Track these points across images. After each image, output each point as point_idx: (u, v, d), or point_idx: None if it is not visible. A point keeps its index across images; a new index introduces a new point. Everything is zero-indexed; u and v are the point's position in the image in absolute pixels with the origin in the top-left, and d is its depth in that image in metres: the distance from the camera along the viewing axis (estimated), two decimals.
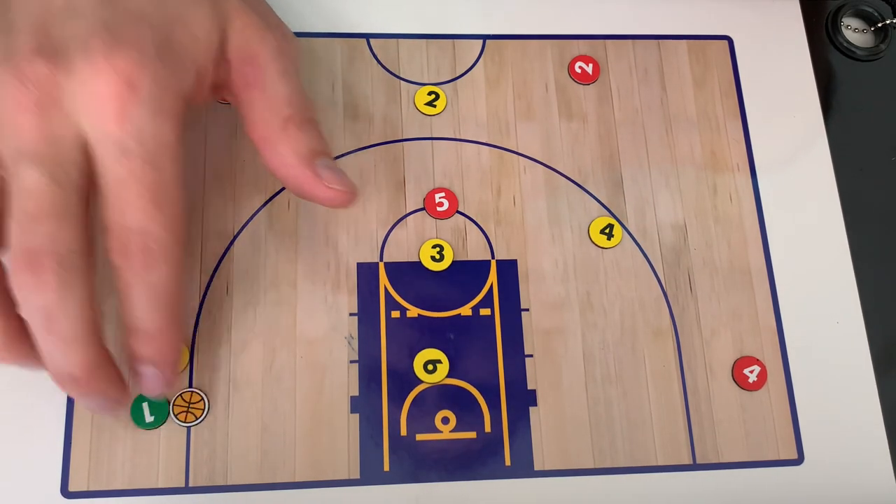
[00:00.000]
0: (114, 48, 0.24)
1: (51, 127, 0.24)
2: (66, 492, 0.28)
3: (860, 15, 0.39)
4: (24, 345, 0.25)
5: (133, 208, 0.24)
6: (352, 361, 0.31)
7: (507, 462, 0.30)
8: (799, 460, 0.31)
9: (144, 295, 0.25)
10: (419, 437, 0.30)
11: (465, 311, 0.32)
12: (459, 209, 0.33)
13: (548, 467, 0.30)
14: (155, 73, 0.24)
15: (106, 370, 0.26)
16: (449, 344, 0.31)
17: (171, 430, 0.29)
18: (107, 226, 0.25)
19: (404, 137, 0.34)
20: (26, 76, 0.24)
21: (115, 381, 0.26)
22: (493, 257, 0.33)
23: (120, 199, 0.24)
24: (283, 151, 0.27)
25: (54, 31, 0.24)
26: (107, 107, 0.24)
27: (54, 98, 0.24)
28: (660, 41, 0.37)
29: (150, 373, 0.26)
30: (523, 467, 0.30)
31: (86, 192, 0.25)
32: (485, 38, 0.36)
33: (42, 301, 0.24)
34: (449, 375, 0.31)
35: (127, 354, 0.26)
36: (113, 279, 0.25)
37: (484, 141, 0.34)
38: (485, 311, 0.32)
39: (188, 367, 0.30)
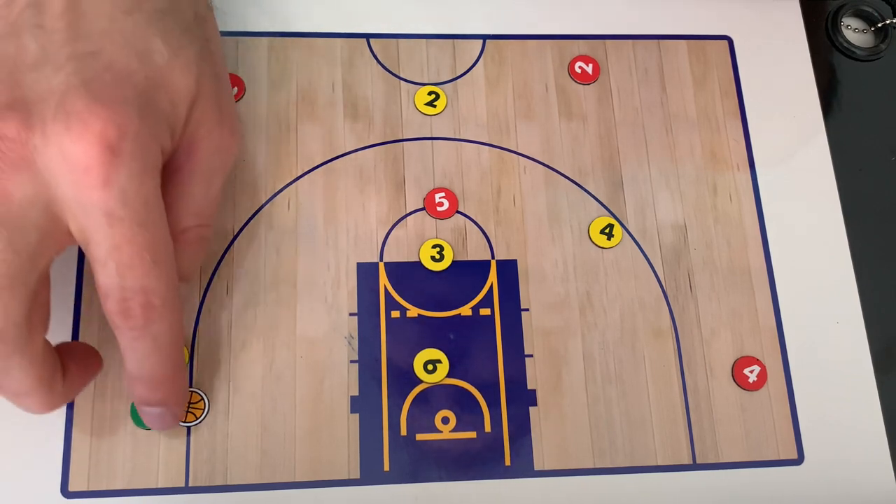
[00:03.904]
0: (92, 108, 0.23)
1: (17, 189, 0.23)
2: (66, 492, 0.28)
3: (860, 15, 0.39)
4: None
5: (131, 271, 0.24)
6: (352, 361, 0.31)
7: (507, 462, 0.30)
8: (799, 460, 0.31)
9: (150, 347, 0.25)
10: (419, 436, 0.30)
11: (465, 311, 0.32)
12: (459, 209, 0.33)
13: (548, 467, 0.30)
14: (137, 132, 0.23)
15: (66, 398, 0.26)
16: (449, 344, 0.31)
17: (171, 430, 0.29)
18: (104, 290, 0.24)
19: (404, 137, 0.34)
20: None
21: (78, 392, 0.27)
22: (493, 257, 0.33)
23: (117, 264, 0.23)
24: None
25: (27, 83, 0.23)
26: (89, 175, 0.22)
27: (25, 158, 0.22)
28: (660, 41, 0.37)
29: (158, 412, 0.27)
30: (523, 467, 0.30)
31: (42, 253, 0.24)
32: (485, 38, 0.36)
33: None
34: (449, 375, 0.31)
35: (135, 398, 0.27)
36: (113, 336, 0.25)
37: (484, 141, 0.34)
38: (485, 311, 0.32)
39: (188, 367, 0.30)
